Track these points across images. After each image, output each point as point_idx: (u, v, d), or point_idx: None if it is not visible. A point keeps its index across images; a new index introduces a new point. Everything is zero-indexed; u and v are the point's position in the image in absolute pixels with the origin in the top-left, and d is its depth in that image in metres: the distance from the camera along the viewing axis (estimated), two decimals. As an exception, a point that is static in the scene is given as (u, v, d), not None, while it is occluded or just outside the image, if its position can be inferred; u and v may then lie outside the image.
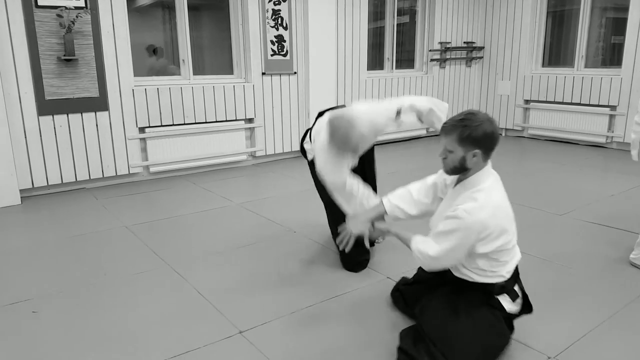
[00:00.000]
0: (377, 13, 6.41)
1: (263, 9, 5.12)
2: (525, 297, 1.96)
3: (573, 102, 6.28)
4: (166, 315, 2.20)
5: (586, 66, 6.32)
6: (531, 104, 6.74)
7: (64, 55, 4.13)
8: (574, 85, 6.24)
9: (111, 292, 2.43)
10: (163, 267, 2.72)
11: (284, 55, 5.35)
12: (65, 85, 4.23)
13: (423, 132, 6.80)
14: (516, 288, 1.92)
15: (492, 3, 7.06)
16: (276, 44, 5.27)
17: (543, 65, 6.81)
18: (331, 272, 2.63)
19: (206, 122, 4.99)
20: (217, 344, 1.97)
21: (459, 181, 1.91)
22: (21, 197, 4.08)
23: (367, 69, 6.17)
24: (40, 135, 4.16)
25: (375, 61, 6.45)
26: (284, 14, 5.26)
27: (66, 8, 4.09)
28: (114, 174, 4.57)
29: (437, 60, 6.83)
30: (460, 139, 1.76)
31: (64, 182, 4.33)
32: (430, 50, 6.75)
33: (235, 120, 5.20)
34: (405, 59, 6.83)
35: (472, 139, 1.74)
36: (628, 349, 1.93)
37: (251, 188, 4.65)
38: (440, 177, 2.07)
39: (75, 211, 3.82)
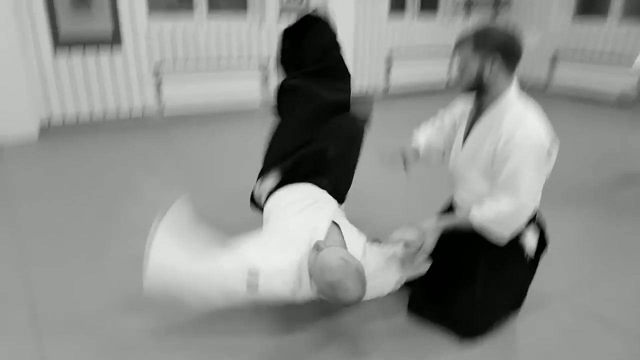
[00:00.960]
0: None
1: (281, -56, 4.85)
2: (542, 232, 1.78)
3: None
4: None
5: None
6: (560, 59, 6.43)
7: (77, -12, 4.01)
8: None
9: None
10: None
11: (302, -4, 5.13)
12: (80, 22, 4.13)
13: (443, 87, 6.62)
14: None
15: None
16: (297, -12, 5.03)
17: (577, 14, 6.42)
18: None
19: (221, 63, 4.90)
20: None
21: (479, 112, 1.66)
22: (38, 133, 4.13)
23: (388, 15, 5.91)
24: (58, 72, 4.14)
25: (396, 5, 6.14)
26: (303, -49, 4.97)
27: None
28: (128, 112, 4.57)
29: (463, 6, 6.49)
30: (476, 46, 1.54)
31: (81, 120, 4.35)
32: (456, -4, 6.40)
33: (250, 60, 5.09)
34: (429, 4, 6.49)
35: (489, 44, 1.52)
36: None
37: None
38: (451, 112, 1.90)
39: (90, 149, 3.86)
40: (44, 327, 1.78)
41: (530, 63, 6.67)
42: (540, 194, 1.64)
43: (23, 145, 3.89)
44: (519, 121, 1.55)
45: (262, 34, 5.06)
